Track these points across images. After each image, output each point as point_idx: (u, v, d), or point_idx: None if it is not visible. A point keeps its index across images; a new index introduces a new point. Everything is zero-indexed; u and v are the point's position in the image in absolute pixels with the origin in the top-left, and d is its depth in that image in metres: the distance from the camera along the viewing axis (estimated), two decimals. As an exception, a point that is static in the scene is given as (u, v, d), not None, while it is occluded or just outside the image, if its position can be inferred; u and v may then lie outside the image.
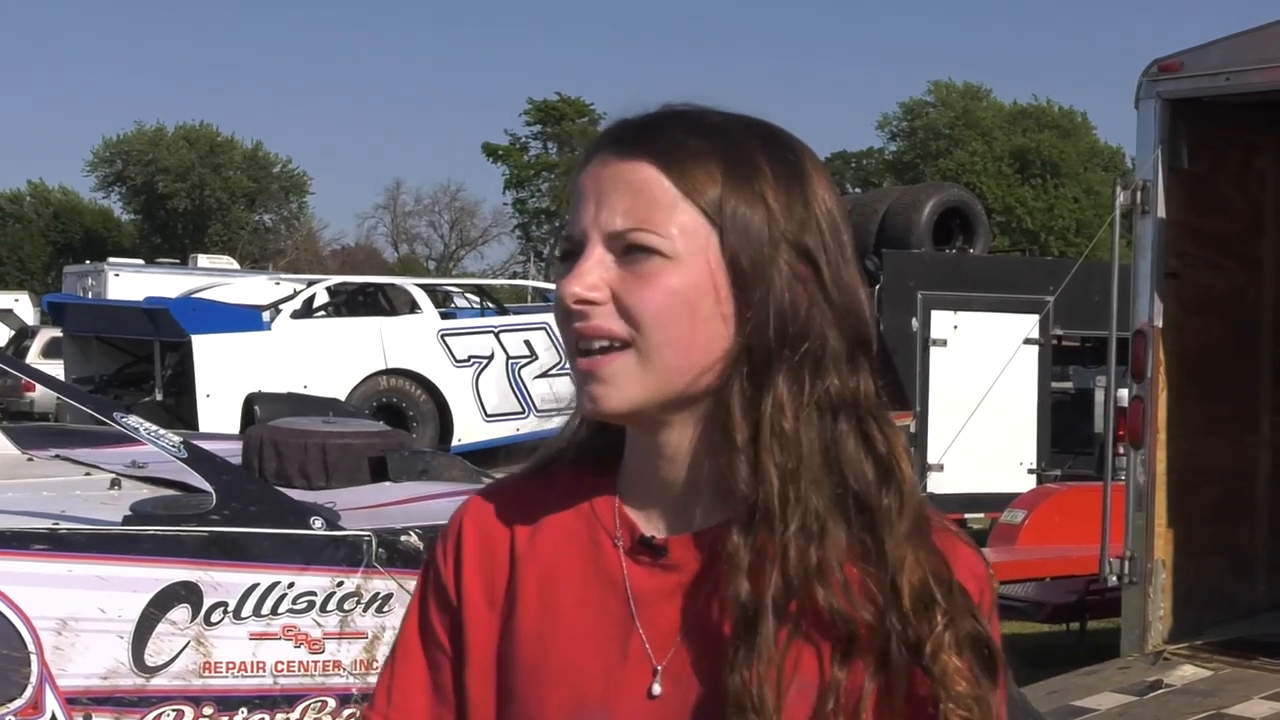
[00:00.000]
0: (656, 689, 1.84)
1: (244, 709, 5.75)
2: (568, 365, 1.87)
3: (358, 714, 1.84)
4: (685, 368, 1.80)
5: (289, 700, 5.81)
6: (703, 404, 1.83)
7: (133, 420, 6.03)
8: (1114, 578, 9.52)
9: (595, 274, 1.80)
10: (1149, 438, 9.52)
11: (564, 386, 17.24)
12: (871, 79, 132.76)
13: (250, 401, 11.13)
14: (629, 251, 1.80)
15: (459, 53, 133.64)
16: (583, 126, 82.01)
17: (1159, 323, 9.52)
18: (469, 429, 17.00)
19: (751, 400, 1.79)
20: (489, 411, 17.17)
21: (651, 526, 1.89)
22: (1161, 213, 9.58)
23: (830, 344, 1.80)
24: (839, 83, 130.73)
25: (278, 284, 21.14)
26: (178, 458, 5.87)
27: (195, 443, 6.14)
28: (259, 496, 5.86)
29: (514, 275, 73.20)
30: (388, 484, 6.99)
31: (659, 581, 1.86)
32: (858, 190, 75.07)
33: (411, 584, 5.98)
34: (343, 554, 5.85)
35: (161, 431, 5.99)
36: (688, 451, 1.85)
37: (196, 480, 6.09)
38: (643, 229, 1.79)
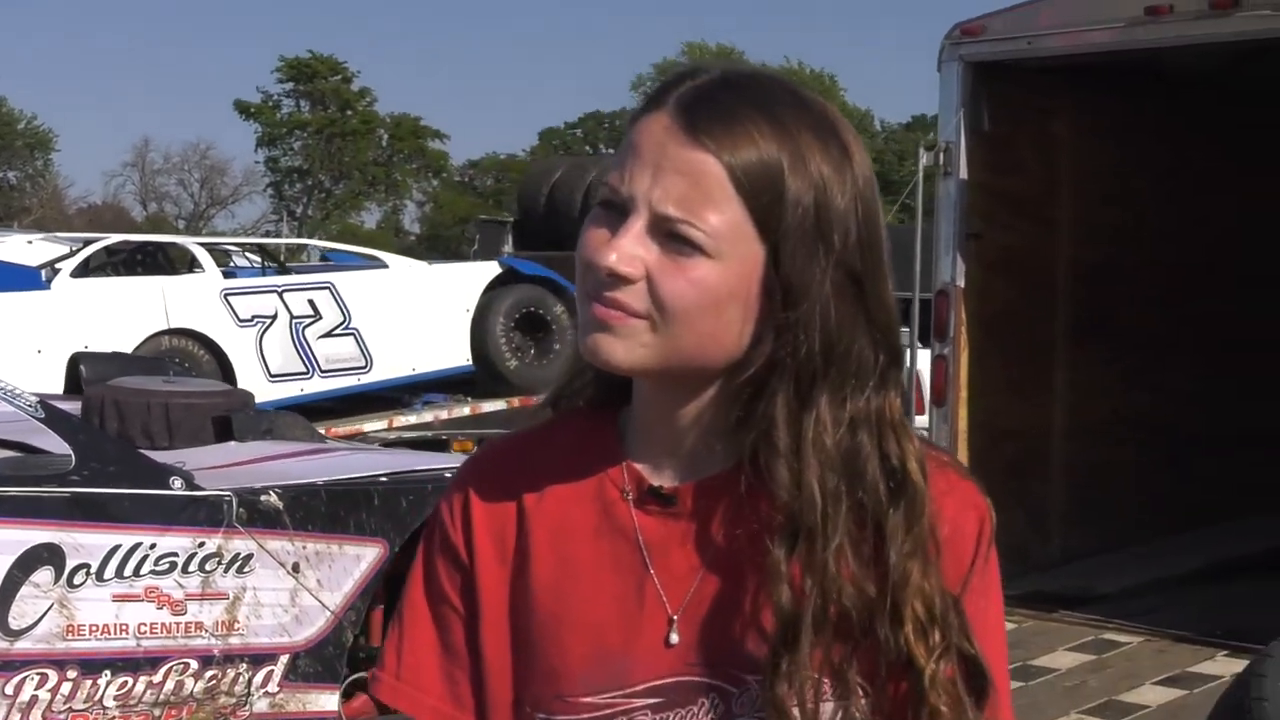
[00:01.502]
0: (674, 637, 1.87)
1: (108, 671, 5.69)
2: (577, 304, 1.87)
3: (368, 676, 1.84)
4: (697, 355, 1.83)
5: (152, 662, 5.76)
6: (716, 380, 1.87)
7: (-14, 381, 5.91)
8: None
9: (635, 249, 1.80)
10: (951, 396, 9.75)
11: (348, 347, 17.03)
12: (625, 39, 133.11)
13: (75, 361, 10.91)
14: (673, 238, 1.80)
15: (208, 8, 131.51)
16: (336, 85, 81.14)
17: (961, 283, 9.73)
18: (253, 389, 16.66)
19: (795, 413, 1.82)
20: (273, 372, 16.89)
21: (658, 476, 1.92)
22: (964, 174, 9.80)
23: (867, 361, 1.84)
24: (593, 43, 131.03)
25: (30, 243, 20.60)
26: (35, 418, 5.77)
27: (51, 403, 6.04)
28: (118, 457, 5.78)
29: (266, 234, 72.24)
30: (233, 444, 6.92)
31: (669, 530, 1.90)
32: (610, 150, 75.23)
33: (271, 544, 5.99)
34: (203, 514, 5.80)
35: (17, 391, 5.88)
36: (695, 413, 1.89)
37: (44, 440, 6.00)
38: (692, 224, 1.79)
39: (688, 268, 1.79)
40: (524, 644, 1.94)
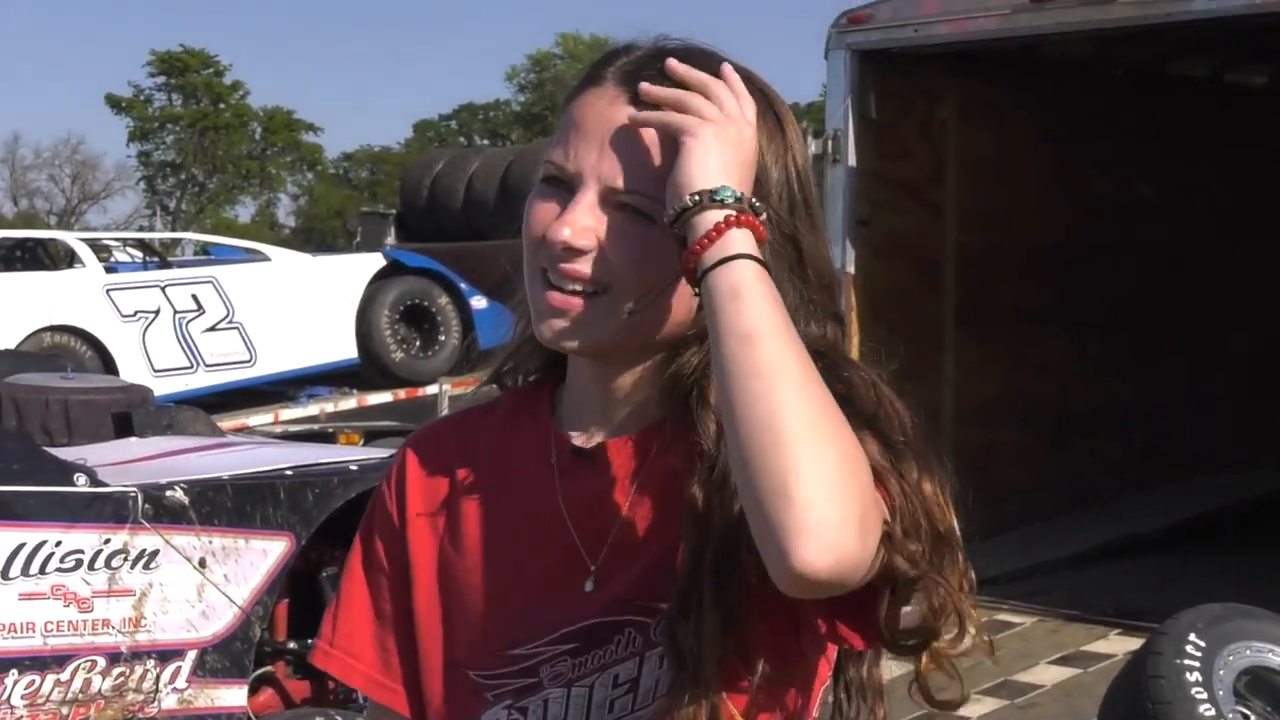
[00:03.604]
0: (589, 585, 1.94)
1: (14, 670, 5.65)
2: (527, 290, 1.93)
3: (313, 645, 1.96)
4: (651, 323, 1.90)
5: (59, 660, 5.73)
6: (659, 351, 1.93)
7: (-116, 379, 5.87)
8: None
9: (587, 220, 1.87)
10: (843, 381, 9.82)
11: (232, 341, 16.92)
12: (499, 31, 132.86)
13: (-36, 360, 10.80)
14: (623, 208, 1.87)
15: (77, 3, 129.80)
16: (208, 78, 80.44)
17: (851, 269, 9.81)
18: (136, 385, 16.63)
19: None
20: (157, 367, 16.79)
21: (583, 438, 1.99)
22: (852, 161, 9.88)
23: (801, 322, 1.87)
24: (467, 34, 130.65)
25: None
26: (-65, 416, 5.74)
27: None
28: (21, 454, 5.75)
29: (140, 229, 71.51)
30: (134, 440, 6.90)
31: (588, 487, 1.96)
32: (485, 142, 74.94)
33: (177, 539, 5.97)
34: (109, 511, 5.78)
35: (-84, 390, 5.85)
36: (632, 382, 1.96)
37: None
38: (640, 193, 1.86)
39: (638, 234, 1.86)
40: (455, 606, 2.01)
